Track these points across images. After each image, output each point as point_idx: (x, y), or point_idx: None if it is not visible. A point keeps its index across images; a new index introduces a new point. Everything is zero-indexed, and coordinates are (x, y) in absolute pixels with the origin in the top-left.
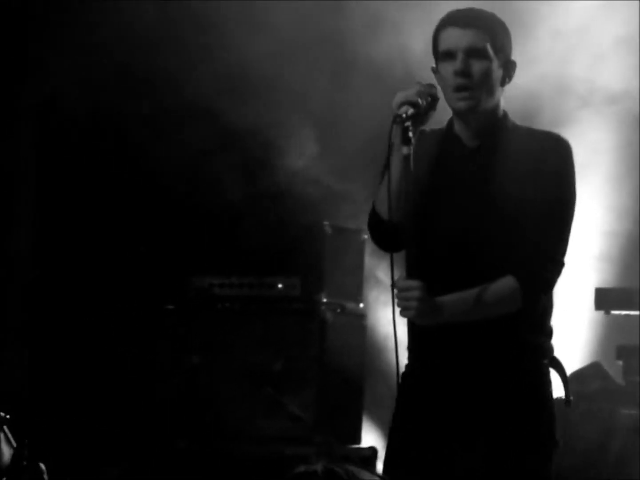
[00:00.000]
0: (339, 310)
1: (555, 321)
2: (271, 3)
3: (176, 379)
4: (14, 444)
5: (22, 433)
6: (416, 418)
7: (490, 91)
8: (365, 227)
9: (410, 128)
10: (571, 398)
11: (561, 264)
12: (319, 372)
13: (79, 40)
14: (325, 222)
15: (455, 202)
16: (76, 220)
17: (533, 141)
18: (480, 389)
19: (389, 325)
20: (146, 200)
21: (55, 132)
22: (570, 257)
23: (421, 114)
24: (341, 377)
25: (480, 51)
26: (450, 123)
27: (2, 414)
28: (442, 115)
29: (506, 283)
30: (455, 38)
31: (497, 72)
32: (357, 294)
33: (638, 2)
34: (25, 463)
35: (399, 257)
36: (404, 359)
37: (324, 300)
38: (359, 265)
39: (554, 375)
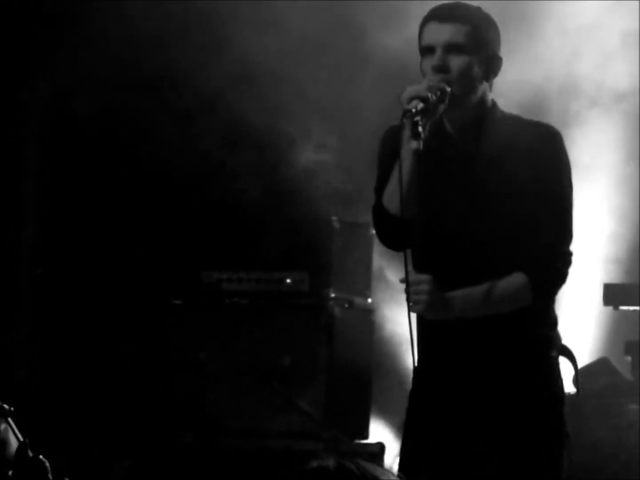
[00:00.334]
0: (347, 305)
1: (563, 317)
2: None
3: (184, 374)
4: (20, 437)
5: (26, 426)
6: (429, 414)
7: (471, 86)
8: None
9: (420, 122)
10: (580, 386)
11: (569, 254)
12: (327, 367)
13: (86, 38)
14: (334, 217)
15: (449, 195)
16: (84, 216)
17: (522, 130)
18: (489, 384)
19: (396, 324)
20: (154, 196)
21: (64, 129)
22: (578, 255)
23: (431, 108)
24: (349, 372)
25: (458, 46)
26: (440, 117)
27: (7, 406)
28: None
29: (516, 279)
30: (435, 33)
31: (479, 67)
32: (366, 289)
33: None
34: (30, 455)
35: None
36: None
37: (332, 295)
38: (368, 260)
39: (564, 364)
